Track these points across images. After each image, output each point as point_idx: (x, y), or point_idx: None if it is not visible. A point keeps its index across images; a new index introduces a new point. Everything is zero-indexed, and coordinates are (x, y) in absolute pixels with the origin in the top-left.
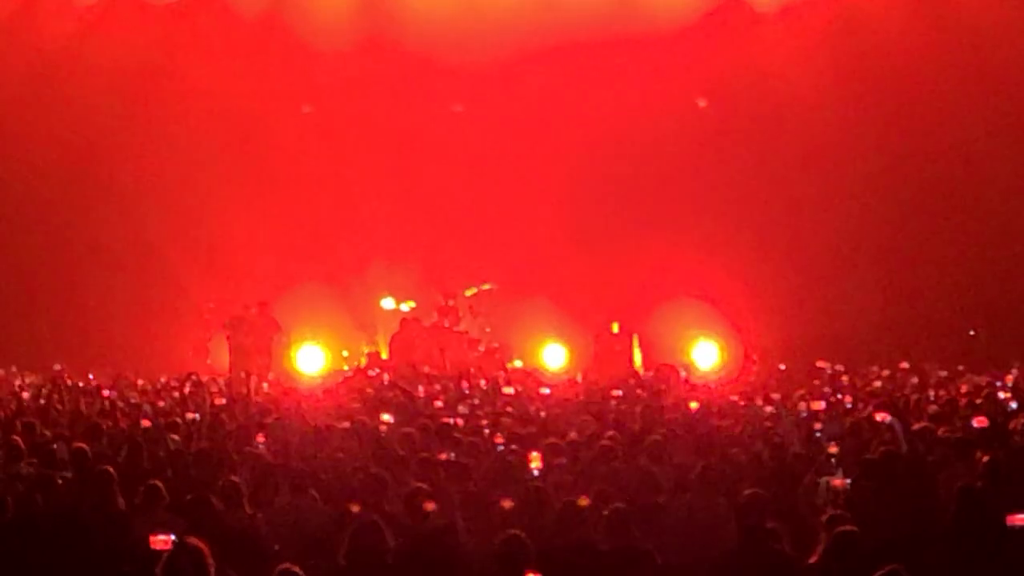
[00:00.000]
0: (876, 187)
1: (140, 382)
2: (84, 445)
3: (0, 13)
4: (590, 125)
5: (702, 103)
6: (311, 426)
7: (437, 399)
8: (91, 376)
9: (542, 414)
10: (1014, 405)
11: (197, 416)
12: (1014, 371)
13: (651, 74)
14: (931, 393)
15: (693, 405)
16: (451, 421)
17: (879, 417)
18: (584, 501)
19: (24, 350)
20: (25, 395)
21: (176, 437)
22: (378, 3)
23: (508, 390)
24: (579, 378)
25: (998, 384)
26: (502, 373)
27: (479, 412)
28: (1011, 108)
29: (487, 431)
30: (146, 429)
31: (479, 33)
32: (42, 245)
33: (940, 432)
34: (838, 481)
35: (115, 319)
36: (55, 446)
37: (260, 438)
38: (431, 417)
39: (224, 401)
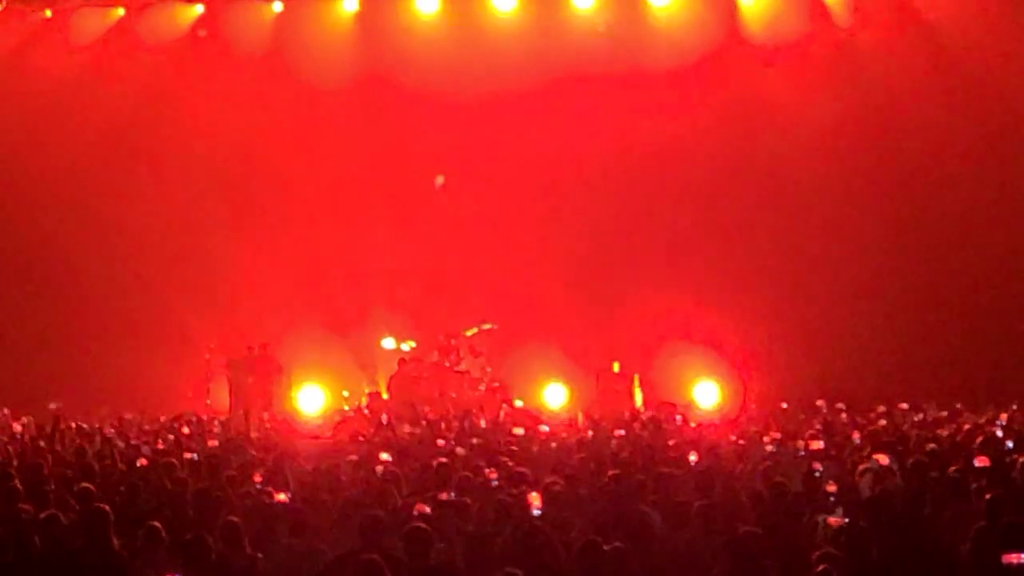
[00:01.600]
0: (875, 227)
1: (138, 422)
2: (86, 485)
3: (2, 48)
4: (592, 165)
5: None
6: (311, 466)
7: (437, 438)
8: (92, 418)
9: (542, 451)
10: (1010, 444)
11: (195, 456)
12: (1013, 408)
13: (652, 115)
14: (931, 432)
15: (692, 457)
16: (449, 461)
17: (878, 458)
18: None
19: (21, 390)
20: (21, 433)
21: (181, 476)
22: (377, 40)
23: (518, 430)
24: (580, 417)
25: (996, 423)
26: (505, 409)
27: (478, 452)
28: (1014, 145)
29: (487, 471)
30: (143, 468)
31: (480, 71)
32: (40, 283)
33: (939, 471)
34: (835, 520)
35: (114, 358)
36: (53, 486)
37: (258, 478)
38: (430, 456)
39: (218, 442)
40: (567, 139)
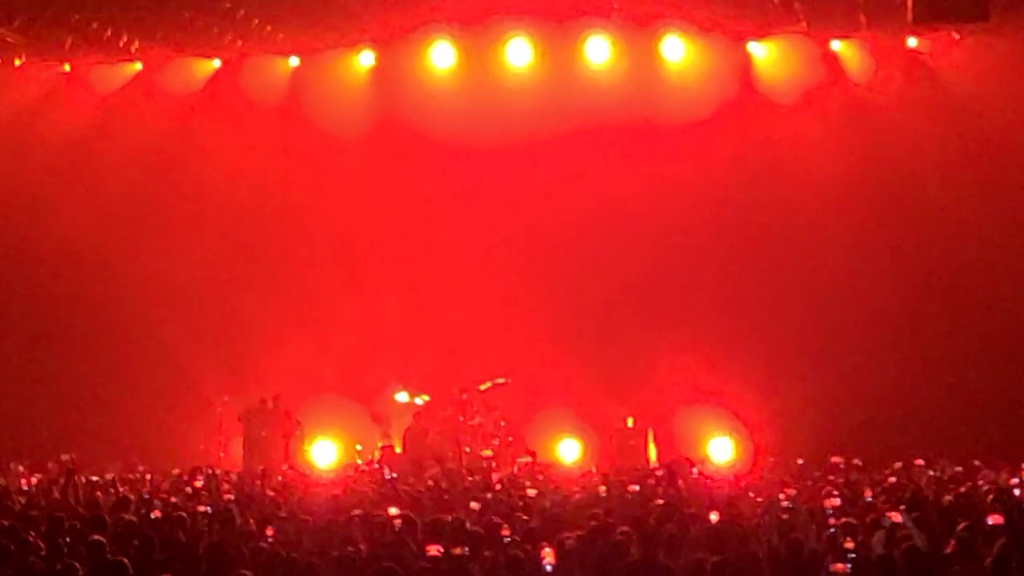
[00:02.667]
0: (891, 282)
1: (151, 476)
2: (99, 537)
3: (23, 100)
4: (606, 220)
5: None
6: (323, 520)
7: (447, 493)
8: (105, 470)
9: (555, 505)
10: None
11: (209, 509)
12: None
13: (666, 170)
14: (946, 489)
15: (713, 517)
16: (463, 515)
17: (892, 516)
18: None
19: (34, 442)
20: (33, 486)
21: (195, 529)
22: (393, 94)
23: (532, 492)
24: (594, 472)
25: (1014, 480)
26: (518, 463)
27: (492, 506)
28: None
29: (500, 525)
30: (156, 520)
31: (494, 124)
32: (54, 335)
33: (953, 529)
34: (839, 566)
35: (127, 410)
36: (68, 539)
37: (269, 531)
38: (443, 511)
39: (233, 496)
40: (582, 195)
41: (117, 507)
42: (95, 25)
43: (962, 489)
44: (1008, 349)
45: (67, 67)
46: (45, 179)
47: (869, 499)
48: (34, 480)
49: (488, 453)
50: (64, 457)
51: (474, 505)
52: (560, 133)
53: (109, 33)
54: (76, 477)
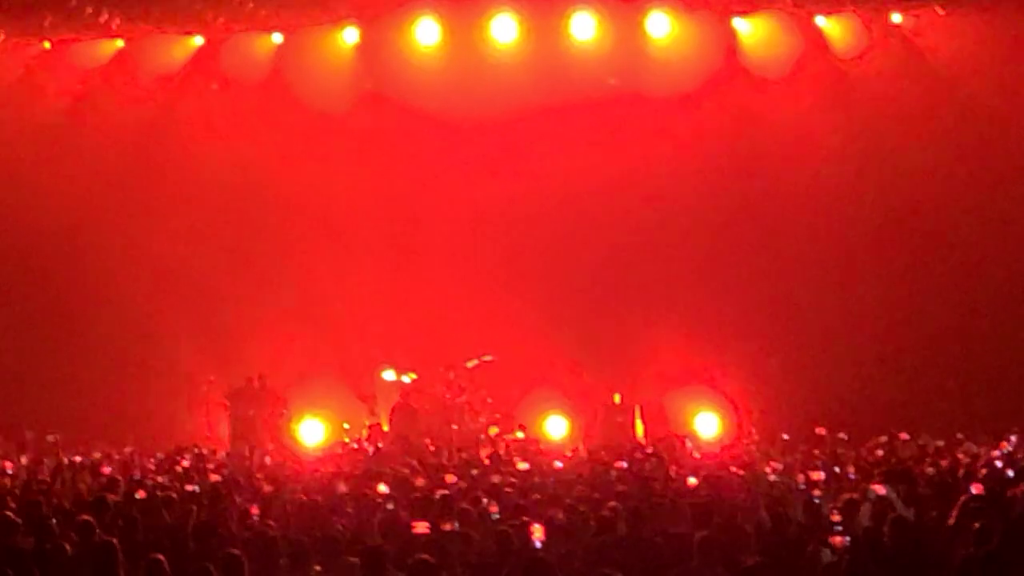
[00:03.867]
0: (876, 256)
1: (137, 456)
2: (88, 518)
3: (2, 79)
4: (592, 195)
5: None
6: (312, 498)
7: (438, 470)
8: (91, 451)
9: (543, 482)
10: (1011, 473)
11: (196, 488)
12: (1012, 439)
13: (652, 145)
14: (930, 462)
15: (692, 480)
16: (451, 492)
17: (875, 489)
18: None
19: (18, 424)
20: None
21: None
22: (378, 71)
23: (523, 465)
24: (581, 449)
25: (995, 453)
26: (506, 440)
27: (480, 483)
28: (1012, 172)
29: (486, 501)
30: (143, 501)
31: (479, 99)
32: (38, 315)
33: (937, 501)
34: (837, 539)
35: (113, 391)
36: (54, 520)
37: (254, 510)
38: (432, 488)
39: (220, 477)
40: (568, 171)
41: (104, 488)
42: (75, 2)
43: (944, 462)
44: (991, 324)
45: (47, 45)
46: (26, 158)
47: (852, 474)
48: (22, 461)
49: (494, 430)
50: (50, 438)
51: (450, 479)
52: (546, 109)
53: (89, 10)
54: (62, 458)
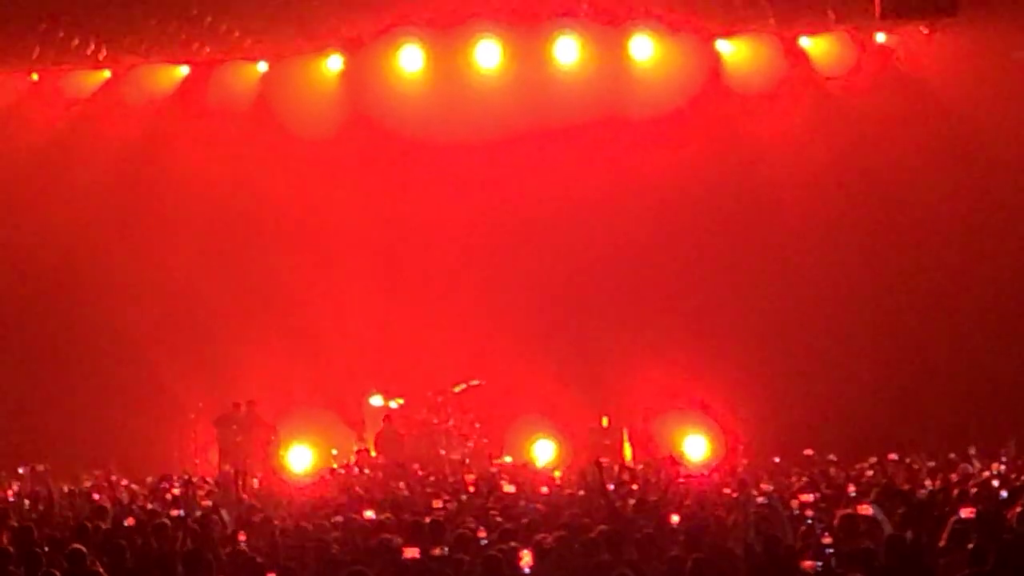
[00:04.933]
0: (862, 275)
1: (126, 483)
2: (77, 546)
3: None
4: (578, 219)
5: None
6: (299, 524)
7: (426, 496)
8: (80, 479)
9: (531, 506)
10: (1005, 494)
11: (183, 512)
12: (1003, 459)
13: (637, 167)
14: (920, 482)
15: (674, 519)
16: (440, 517)
17: (862, 509)
18: None
19: (8, 451)
20: (10, 496)
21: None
22: (362, 98)
23: (509, 488)
24: (558, 474)
25: (987, 473)
26: (495, 470)
27: (468, 508)
28: (998, 189)
29: (474, 526)
30: (131, 528)
31: (463, 125)
32: (28, 343)
33: (927, 522)
34: (808, 564)
35: (102, 419)
36: (45, 548)
37: (242, 536)
38: (420, 513)
39: (211, 502)
40: (553, 195)
41: (93, 516)
42: (62, 33)
43: (936, 483)
44: (982, 342)
45: (35, 76)
46: (15, 188)
47: (851, 494)
48: (11, 491)
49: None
50: (39, 467)
51: (436, 504)
52: (531, 133)
53: (77, 41)
54: (52, 487)
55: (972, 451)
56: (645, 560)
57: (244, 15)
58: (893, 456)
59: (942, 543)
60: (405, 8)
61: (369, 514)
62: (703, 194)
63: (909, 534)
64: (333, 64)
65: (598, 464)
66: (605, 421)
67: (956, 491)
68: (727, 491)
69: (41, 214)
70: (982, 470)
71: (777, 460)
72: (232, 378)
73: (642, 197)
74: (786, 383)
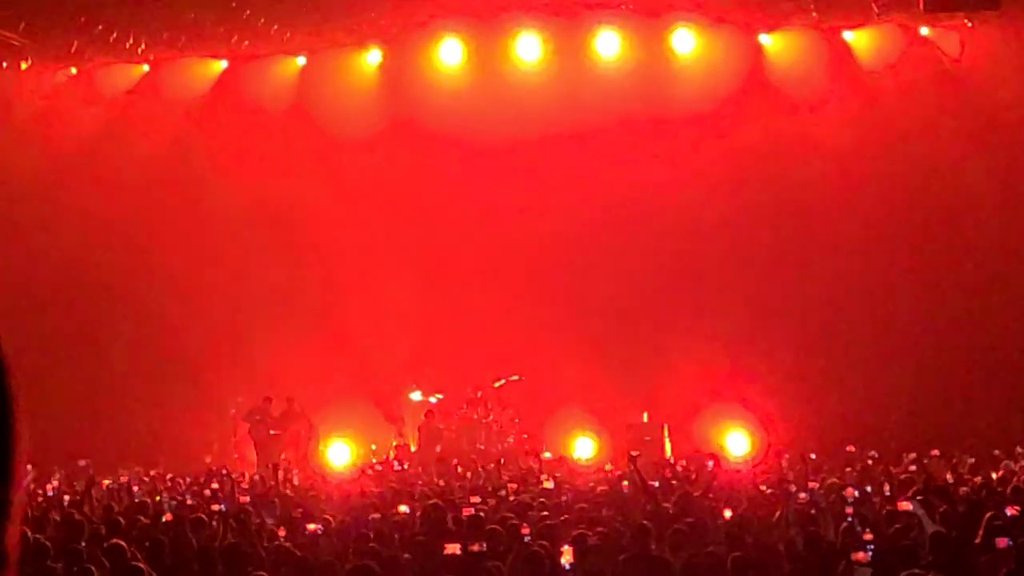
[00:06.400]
0: (904, 272)
1: (170, 477)
2: (117, 541)
3: (29, 104)
4: (620, 211)
5: None
6: (339, 519)
7: (466, 491)
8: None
9: (571, 502)
10: None
11: (223, 507)
12: None
13: (679, 164)
14: (963, 479)
15: (727, 513)
16: (481, 512)
17: (902, 506)
18: None
19: (50, 448)
20: (54, 490)
21: (210, 531)
22: (401, 92)
23: (548, 483)
24: (609, 468)
25: None
26: (535, 465)
27: (507, 504)
28: None
29: (515, 522)
30: (171, 523)
31: (504, 119)
32: (68, 340)
33: (970, 519)
34: (860, 555)
35: (142, 415)
36: (84, 544)
37: (281, 532)
38: (460, 508)
39: (249, 498)
40: (594, 190)
41: (133, 511)
42: (101, 27)
43: (978, 479)
44: None
45: (73, 70)
46: (54, 183)
47: (887, 492)
48: (52, 485)
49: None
50: (81, 463)
51: (474, 499)
52: (571, 129)
53: (115, 35)
54: (93, 482)
55: (1020, 449)
56: (686, 556)
57: (283, 9)
58: (935, 452)
59: (979, 540)
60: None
61: (403, 508)
62: (745, 189)
63: (942, 529)
64: (372, 58)
65: (631, 458)
66: (645, 417)
67: (998, 488)
68: (768, 488)
69: (79, 210)
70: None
71: (813, 457)
72: (272, 374)
73: (683, 193)
74: (828, 379)
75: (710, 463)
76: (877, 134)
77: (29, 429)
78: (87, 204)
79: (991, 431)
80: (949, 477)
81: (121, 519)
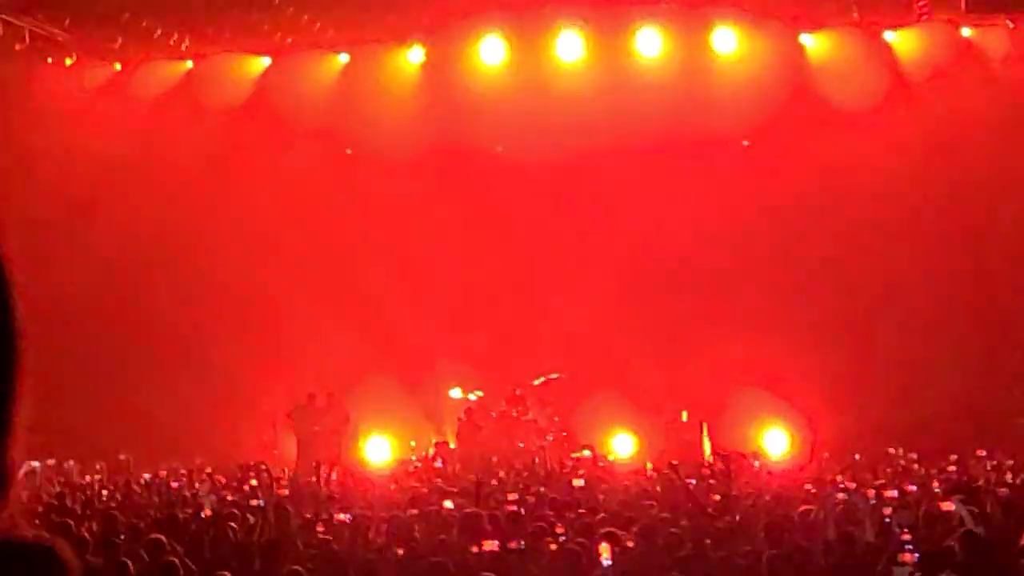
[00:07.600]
0: (946, 277)
1: (210, 470)
2: (157, 536)
3: (74, 100)
4: (660, 215)
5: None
6: (379, 516)
7: (505, 488)
8: (160, 469)
9: (608, 500)
10: None
11: (262, 502)
12: None
13: (720, 167)
14: (1003, 479)
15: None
16: (519, 510)
17: (944, 506)
18: None
19: (90, 441)
20: (91, 484)
21: (249, 526)
22: (442, 94)
23: (578, 482)
24: (648, 467)
25: None
26: (569, 464)
27: (546, 501)
28: None
29: (554, 520)
30: (210, 518)
31: (548, 125)
32: (109, 335)
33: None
34: (908, 556)
35: (182, 409)
36: (123, 537)
37: (320, 528)
38: (498, 506)
39: (287, 492)
40: (637, 191)
41: (172, 505)
42: (145, 23)
43: (1018, 481)
44: None
45: (118, 66)
46: (96, 179)
47: (933, 491)
48: (95, 478)
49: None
50: (120, 456)
51: (512, 496)
52: (613, 128)
53: (159, 31)
54: (133, 476)
55: None
56: (724, 555)
57: (326, 5)
58: (981, 452)
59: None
60: None
61: (448, 504)
62: (788, 190)
63: (982, 530)
64: (414, 56)
65: (672, 466)
66: (685, 416)
67: None
68: (807, 487)
69: (120, 206)
70: None
71: (857, 457)
72: (311, 369)
73: (726, 193)
74: (869, 380)
75: (756, 463)
76: (917, 132)
77: (68, 421)
78: (128, 201)
79: None
80: (989, 478)
81: (164, 512)
